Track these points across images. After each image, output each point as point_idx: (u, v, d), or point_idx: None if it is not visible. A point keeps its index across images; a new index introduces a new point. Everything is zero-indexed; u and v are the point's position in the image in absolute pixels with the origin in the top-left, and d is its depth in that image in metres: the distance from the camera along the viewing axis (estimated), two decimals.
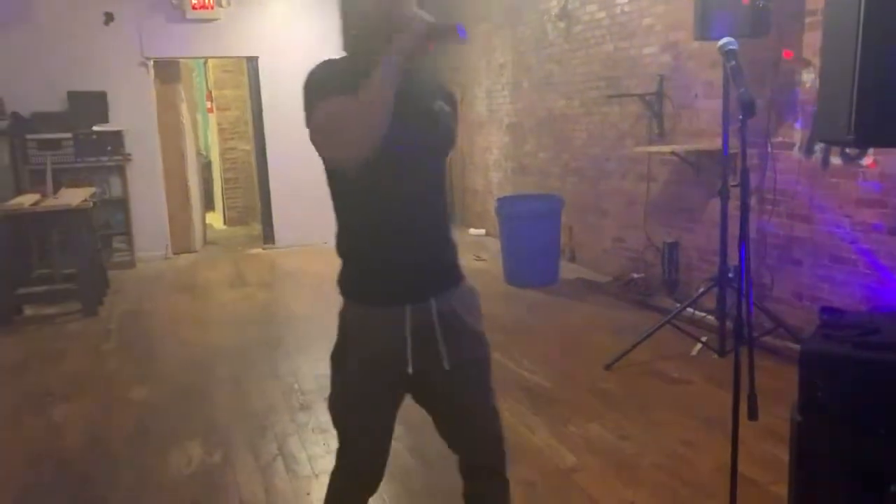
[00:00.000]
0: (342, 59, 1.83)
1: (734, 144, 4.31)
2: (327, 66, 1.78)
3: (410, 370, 1.79)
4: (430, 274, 1.85)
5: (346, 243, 1.85)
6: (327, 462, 3.22)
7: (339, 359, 1.89)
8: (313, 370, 4.39)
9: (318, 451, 3.34)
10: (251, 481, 3.11)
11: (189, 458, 3.34)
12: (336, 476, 1.98)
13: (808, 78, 4.12)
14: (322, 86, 1.69)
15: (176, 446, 3.46)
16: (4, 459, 3.44)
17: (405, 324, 1.78)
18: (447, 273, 1.91)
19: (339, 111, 1.61)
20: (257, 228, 9.56)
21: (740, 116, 1.98)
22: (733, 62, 2.08)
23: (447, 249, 1.92)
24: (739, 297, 2.05)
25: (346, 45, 1.86)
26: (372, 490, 1.98)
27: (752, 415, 2.07)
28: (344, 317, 1.89)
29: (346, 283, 1.87)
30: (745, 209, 1.94)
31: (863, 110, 1.81)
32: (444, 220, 1.92)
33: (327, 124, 1.63)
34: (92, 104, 7.72)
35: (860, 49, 1.79)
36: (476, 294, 1.98)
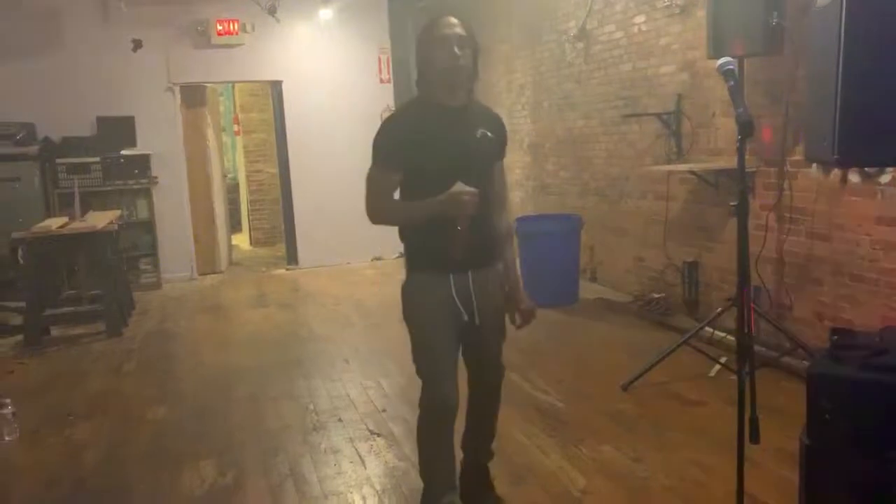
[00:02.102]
0: (407, 108, 2.69)
1: (753, 162, 4.30)
2: (391, 122, 2.61)
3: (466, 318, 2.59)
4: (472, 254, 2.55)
5: (412, 230, 2.63)
6: (337, 483, 3.23)
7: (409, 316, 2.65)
8: (329, 391, 4.41)
9: (328, 472, 3.35)
10: (261, 503, 3.12)
11: (202, 478, 3.36)
12: (425, 415, 2.66)
13: None
14: (379, 148, 2.54)
15: (190, 466, 3.49)
16: (25, 477, 3.50)
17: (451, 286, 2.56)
18: (486, 255, 2.64)
19: (376, 201, 2.55)
20: (282, 249, 9.66)
21: (738, 136, 1.97)
22: (732, 82, 2.07)
23: (488, 238, 2.62)
24: (741, 319, 2.02)
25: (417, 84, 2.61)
26: (455, 413, 2.62)
27: (754, 437, 2.03)
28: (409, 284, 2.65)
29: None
30: (742, 230, 1.92)
31: (846, 131, 1.80)
32: (486, 215, 2.56)
33: (368, 193, 2.56)
34: (120, 129, 7.89)
35: (841, 70, 1.78)
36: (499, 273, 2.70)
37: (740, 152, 1.97)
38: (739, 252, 1.95)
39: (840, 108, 1.79)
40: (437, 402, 2.59)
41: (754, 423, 2.03)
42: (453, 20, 2.46)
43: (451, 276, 2.55)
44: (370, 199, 2.54)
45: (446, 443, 2.69)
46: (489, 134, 2.57)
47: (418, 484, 3.18)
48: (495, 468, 3.28)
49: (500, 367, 2.83)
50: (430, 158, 2.47)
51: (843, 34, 1.79)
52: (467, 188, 2.35)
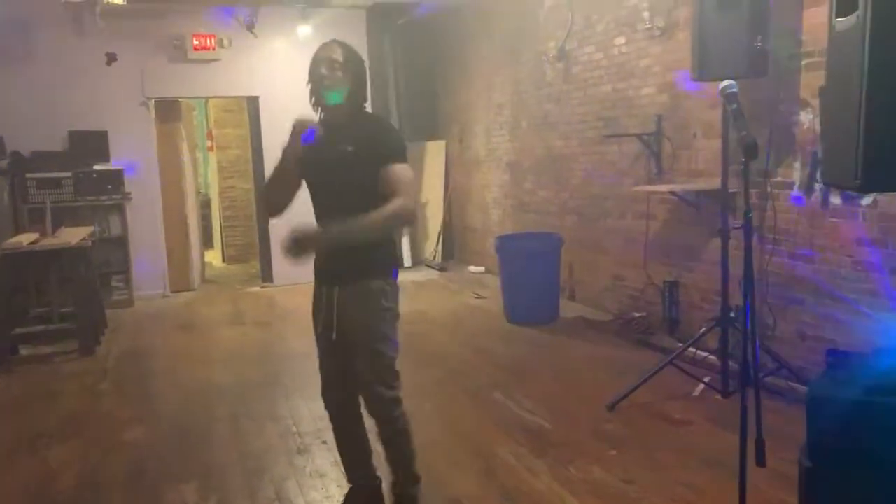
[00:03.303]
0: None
1: (734, 184, 4.34)
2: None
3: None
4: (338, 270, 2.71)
5: None
6: None
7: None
8: (311, 410, 4.33)
9: (315, 496, 3.27)
10: None
11: (184, 502, 3.27)
12: None
13: (807, 118, 4.14)
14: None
15: (171, 490, 3.39)
16: None
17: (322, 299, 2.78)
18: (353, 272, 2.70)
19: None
20: (256, 266, 9.54)
21: (742, 159, 1.98)
22: (734, 105, 2.09)
23: (356, 255, 2.65)
24: (744, 339, 2.02)
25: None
26: (337, 420, 3.00)
27: (760, 461, 2.03)
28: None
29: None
30: (748, 252, 1.92)
31: (870, 155, 1.80)
32: None
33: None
34: (93, 143, 7.75)
35: (865, 91, 1.79)
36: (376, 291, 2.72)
37: (745, 176, 1.98)
38: (745, 275, 1.95)
39: (864, 133, 1.79)
40: (324, 406, 2.95)
41: (760, 445, 2.03)
42: (332, 45, 2.71)
43: (324, 289, 2.76)
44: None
45: (339, 443, 3.01)
46: (349, 149, 2.63)
47: None
48: (483, 491, 3.26)
49: (375, 396, 2.77)
50: (304, 173, 2.72)
51: (866, 57, 1.79)
52: (302, 231, 2.51)
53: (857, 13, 1.81)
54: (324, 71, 2.63)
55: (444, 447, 3.76)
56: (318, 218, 2.74)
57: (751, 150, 1.94)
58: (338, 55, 2.65)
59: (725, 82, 2.12)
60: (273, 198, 2.82)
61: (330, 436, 4.01)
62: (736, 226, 2.00)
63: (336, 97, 2.64)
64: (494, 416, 4.18)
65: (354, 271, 2.69)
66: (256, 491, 3.35)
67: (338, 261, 2.67)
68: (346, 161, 2.63)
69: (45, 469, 3.71)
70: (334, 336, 2.71)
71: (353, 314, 2.69)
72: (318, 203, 2.76)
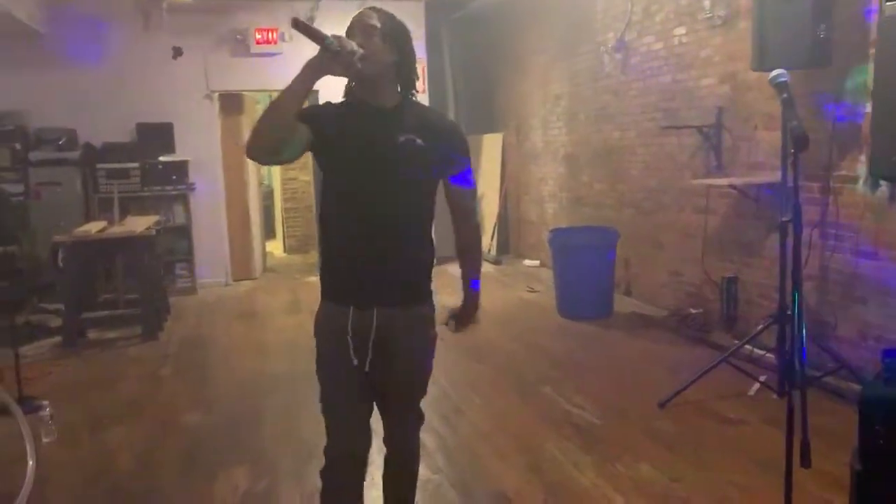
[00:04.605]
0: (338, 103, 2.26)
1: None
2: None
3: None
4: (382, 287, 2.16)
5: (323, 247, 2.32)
6: (371, 494, 3.19)
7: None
8: None
9: None
10: None
11: (235, 485, 3.36)
12: (322, 470, 2.26)
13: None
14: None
15: (224, 473, 3.49)
16: (60, 478, 3.52)
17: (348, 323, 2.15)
18: (398, 292, 2.18)
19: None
20: (314, 256, 9.70)
21: (792, 150, 1.92)
22: (785, 94, 2.02)
23: (409, 272, 2.20)
24: (793, 339, 1.96)
25: None
26: (350, 472, 2.25)
27: (805, 462, 1.97)
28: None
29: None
30: (797, 247, 1.86)
31: None
32: (415, 243, 2.21)
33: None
34: (159, 135, 8.00)
35: None
36: (428, 318, 2.26)
37: (795, 166, 1.92)
38: (794, 273, 1.89)
39: None
40: (327, 456, 2.23)
41: (806, 446, 1.97)
42: (368, 10, 2.18)
43: (352, 311, 2.15)
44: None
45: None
46: (418, 140, 2.12)
47: (452, 497, 3.16)
48: (528, 485, 3.24)
49: (414, 443, 2.38)
50: (334, 156, 2.15)
51: None
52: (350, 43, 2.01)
53: None
54: (358, 37, 2.09)
55: (492, 441, 3.76)
56: (343, 221, 2.17)
57: (800, 142, 1.88)
58: (374, 21, 2.13)
59: (776, 71, 2.05)
60: (275, 132, 2.01)
61: (378, 425, 4.08)
62: (785, 219, 1.92)
63: (374, 69, 2.09)
64: (543, 411, 4.16)
65: (406, 292, 2.20)
66: (305, 476, 3.40)
67: (382, 276, 2.14)
68: (412, 156, 2.11)
69: (105, 449, 3.86)
70: (367, 369, 2.17)
71: (401, 344, 2.18)
72: (352, 202, 2.14)
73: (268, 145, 2.00)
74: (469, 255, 2.36)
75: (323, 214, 2.22)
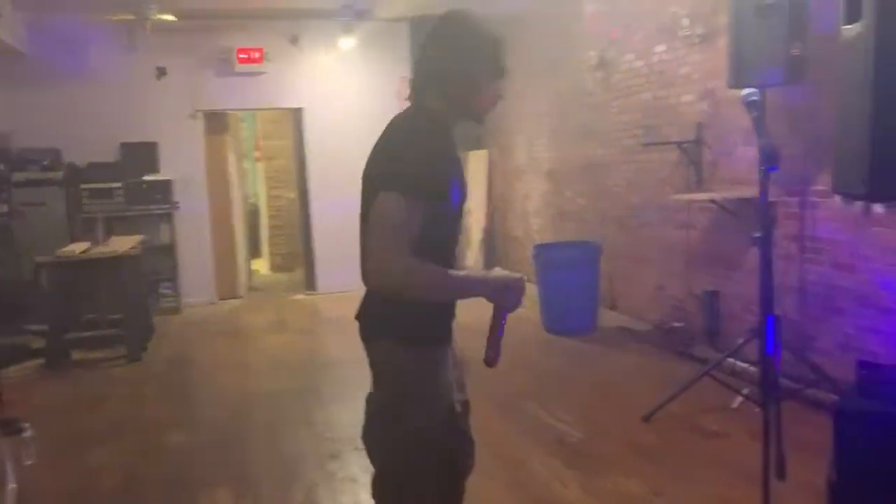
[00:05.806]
0: (434, 128, 1.88)
1: (774, 192, 4.26)
2: (431, 142, 1.84)
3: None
4: None
5: None
6: None
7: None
8: (346, 418, 4.39)
9: (345, 500, 3.32)
10: None
11: None
12: None
13: None
14: (419, 178, 1.76)
15: (207, 493, 3.48)
16: (42, 502, 3.50)
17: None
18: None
19: (399, 251, 1.72)
20: (301, 274, 9.69)
21: (763, 167, 1.95)
22: (755, 113, 2.06)
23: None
24: (766, 353, 1.99)
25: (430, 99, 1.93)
26: None
27: (781, 474, 1.99)
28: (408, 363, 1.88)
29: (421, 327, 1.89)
30: (767, 263, 1.90)
31: (876, 163, 1.76)
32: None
33: (384, 236, 1.78)
34: (143, 155, 8.00)
35: (872, 102, 1.75)
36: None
37: (764, 184, 1.96)
38: (762, 287, 1.92)
39: (871, 141, 1.76)
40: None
41: (781, 458, 1.99)
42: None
43: (449, 350, 2.02)
44: (390, 242, 1.74)
45: None
46: None
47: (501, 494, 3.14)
48: (512, 501, 3.25)
49: None
50: (452, 207, 1.87)
51: (873, 64, 1.75)
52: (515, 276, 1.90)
53: (863, 21, 1.78)
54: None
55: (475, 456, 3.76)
56: (447, 263, 1.95)
57: (770, 158, 1.92)
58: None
59: (746, 90, 2.10)
60: (416, 299, 1.85)
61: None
62: (756, 235, 1.96)
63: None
64: (527, 426, 4.17)
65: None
66: (288, 495, 3.40)
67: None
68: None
69: (86, 470, 3.83)
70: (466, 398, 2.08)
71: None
72: (454, 242, 2.02)
73: (402, 298, 1.82)
74: None
75: (422, 252, 1.78)
